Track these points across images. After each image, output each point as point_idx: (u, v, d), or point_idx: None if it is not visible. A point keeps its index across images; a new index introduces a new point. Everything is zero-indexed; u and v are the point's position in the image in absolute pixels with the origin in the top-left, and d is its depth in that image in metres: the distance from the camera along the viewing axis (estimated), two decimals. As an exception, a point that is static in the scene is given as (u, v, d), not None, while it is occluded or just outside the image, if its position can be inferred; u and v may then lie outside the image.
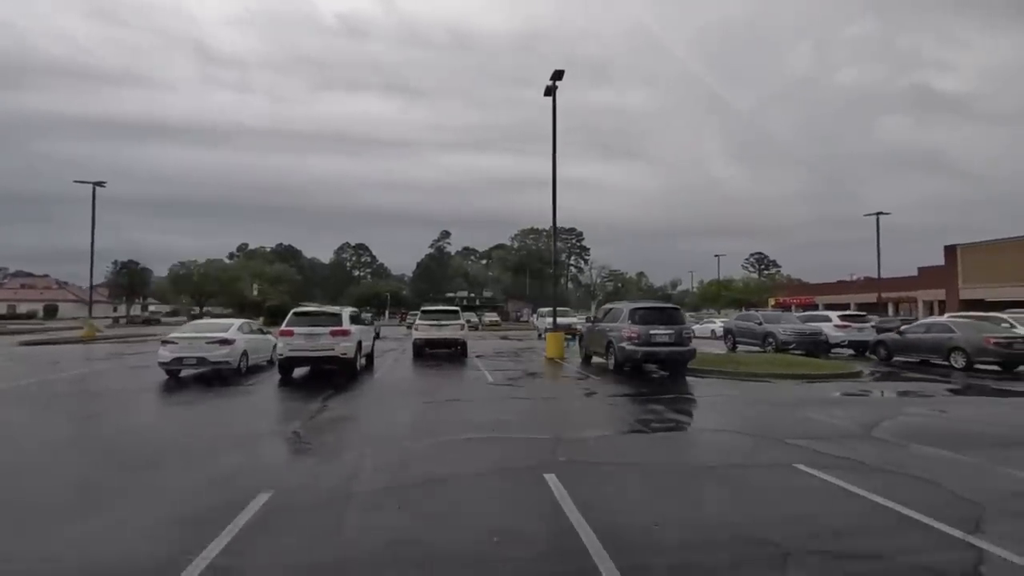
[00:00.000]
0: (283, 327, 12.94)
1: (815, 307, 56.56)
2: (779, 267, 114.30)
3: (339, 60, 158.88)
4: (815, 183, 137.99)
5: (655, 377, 13.10)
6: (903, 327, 18.40)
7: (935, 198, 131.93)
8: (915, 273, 55.17)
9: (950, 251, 48.00)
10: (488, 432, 7.32)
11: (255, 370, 14.14)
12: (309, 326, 12.75)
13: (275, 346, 15.35)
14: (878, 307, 44.21)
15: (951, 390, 11.42)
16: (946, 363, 15.80)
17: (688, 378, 12.95)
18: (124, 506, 4.62)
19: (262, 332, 15.64)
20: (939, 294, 48.97)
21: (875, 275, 42.33)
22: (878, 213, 40.88)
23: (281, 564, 3.54)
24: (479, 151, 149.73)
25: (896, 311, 53.58)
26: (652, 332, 13.16)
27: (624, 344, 13.28)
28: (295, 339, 12.60)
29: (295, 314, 13.34)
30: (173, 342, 12.72)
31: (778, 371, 13.67)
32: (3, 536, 4.03)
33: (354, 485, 5.11)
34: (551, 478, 5.18)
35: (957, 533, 3.88)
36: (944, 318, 18.59)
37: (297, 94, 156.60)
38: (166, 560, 3.50)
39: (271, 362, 15.21)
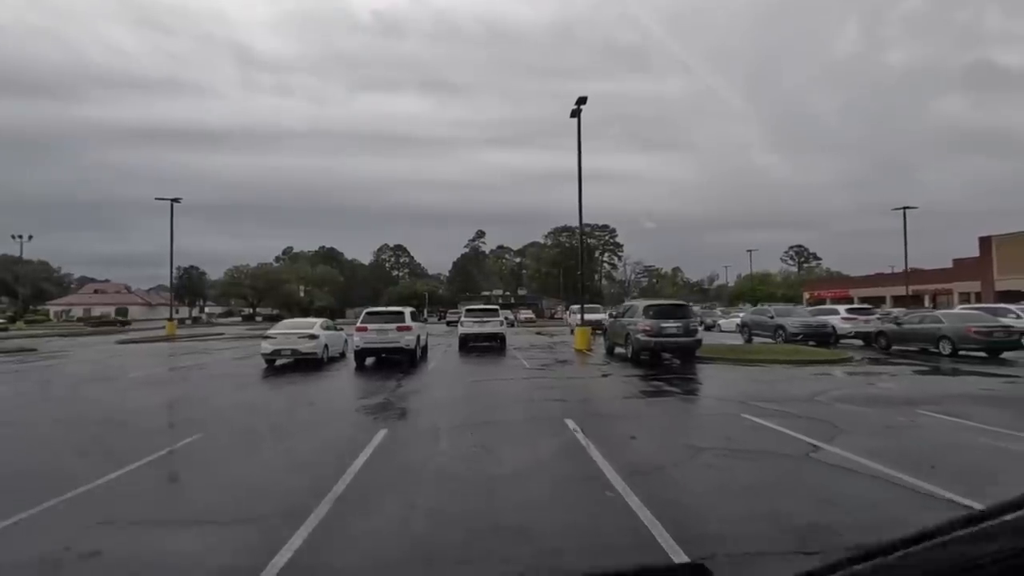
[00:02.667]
0: (358, 324, 15.97)
1: (850, 301, 56.94)
2: (819, 259, 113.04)
3: (375, 59, 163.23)
4: (861, 171, 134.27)
5: (666, 363, 15.51)
6: (900, 318, 20.17)
7: (997, 182, 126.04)
8: (952, 265, 55.05)
9: (985, 242, 48.10)
10: (526, 397, 10.01)
11: (332, 360, 17.19)
12: (380, 323, 15.75)
13: (345, 340, 18.52)
14: (906, 300, 44.78)
15: (917, 371, 13.46)
16: (936, 350, 17.59)
17: (696, 364, 15.30)
18: (314, 435, 7.52)
19: (336, 329, 18.73)
20: (975, 286, 49.03)
21: (918, 267, 43.23)
22: (904, 207, 41.66)
23: (409, 457, 6.29)
24: (515, 147, 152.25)
25: (933, 303, 53.65)
26: (663, 325, 15.57)
27: (639, 335, 15.73)
28: (368, 334, 15.61)
29: (368, 313, 16.38)
30: (272, 337, 15.89)
31: (776, 358, 15.87)
32: (275, 439, 6.97)
33: (439, 424, 7.87)
34: (569, 421, 7.78)
35: (814, 441, 6.33)
36: (937, 310, 20.26)
37: (335, 95, 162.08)
38: (348, 453, 6.29)
39: (342, 354, 18.29)
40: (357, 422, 8.35)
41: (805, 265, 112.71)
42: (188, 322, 70.72)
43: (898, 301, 50.96)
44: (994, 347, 16.45)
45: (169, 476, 5.63)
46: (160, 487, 5.35)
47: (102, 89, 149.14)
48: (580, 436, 6.86)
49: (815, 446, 6.14)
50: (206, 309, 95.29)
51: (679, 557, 3.44)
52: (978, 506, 2.84)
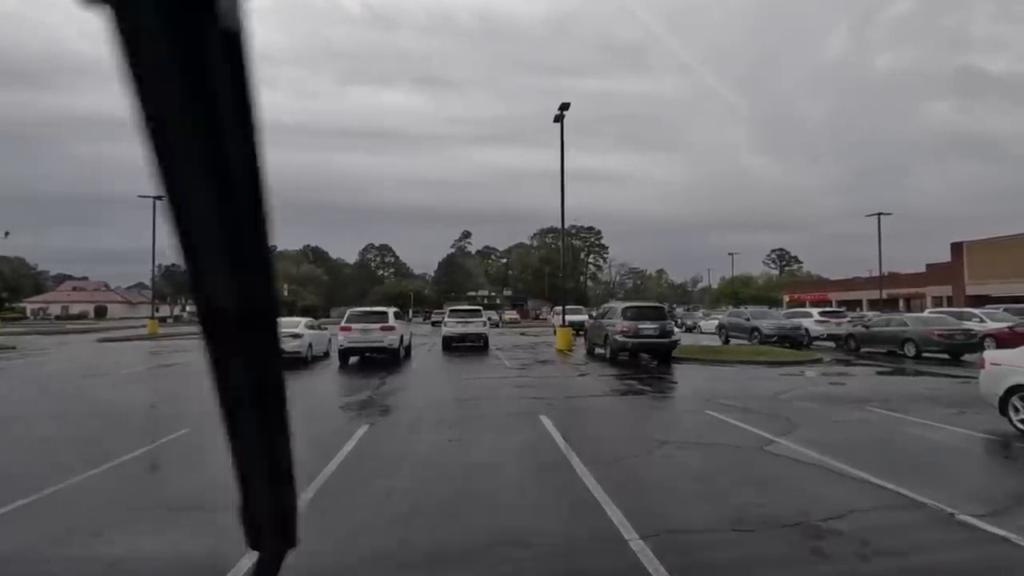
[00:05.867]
0: (342, 324, 16.24)
1: (828, 303, 58.20)
2: (800, 263, 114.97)
3: (366, 52, 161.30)
4: (846, 174, 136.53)
5: (643, 363, 16.00)
6: (869, 321, 20.94)
7: (982, 187, 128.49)
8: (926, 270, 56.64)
9: (956, 248, 49.59)
10: (505, 395, 10.40)
11: (317, 359, 17.40)
12: (363, 323, 16.04)
13: (329, 339, 18.74)
14: (880, 304, 46.03)
15: (879, 372, 14.11)
16: (902, 352, 18.33)
17: (671, 364, 15.80)
18: (298, 429, 7.83)
19: (320, 328, 18.94)
20: (947, 290, 50.48)
21: (897, 271, 44.50)
22: (879, 214, 42.86)
23: (389, 450, 6.64)
24: (504, 144, 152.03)
25: (907, 307, 55.12)
26: (640, 326, 16.07)
27: (617, 336, 16.20)
28: (352, 333, 15.89)
29: (352, 313, 16.66)
30: (256, 336, 16.05)
31: (748, 359, 16.45)
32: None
33: (419, 420, 8.23)
34: (543, 417, 8.19)
35: (769, 435, 6.81)
36: (903, 313, 21.07)
37: (324, 89, 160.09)
38: (331, 446, 6.62)
39: (326, 353, 18.51)
40: (340, 418, 8.68)
41: (787, 268, 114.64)
42: (170, 321, 70.02)
43: (874, 304, 52.38)
44: (955, 349, 17.22)
45: (153, 469, 5.93)
46: (147, 479, 5.64)
47: (79, 78, 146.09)
48: (552, 430, 7.26)
49: (769, 439, 6.61)
50: (187, 308, 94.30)
51: (628, 533, 3.85)
52: (890, 486, 3.41)
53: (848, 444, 6.41)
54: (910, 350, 17.92)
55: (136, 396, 11.11)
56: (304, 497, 4.73)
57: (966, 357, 17.25)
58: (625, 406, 9.48)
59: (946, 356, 17.44)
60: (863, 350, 19.97)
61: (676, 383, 12.27)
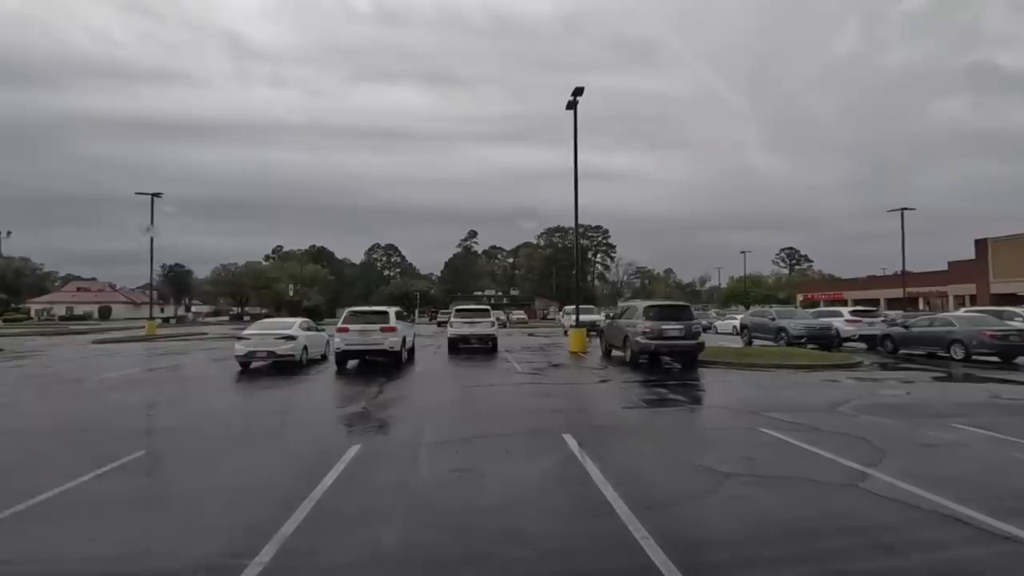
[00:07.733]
0: (340, 324, 14.96)
1: (843, 303, 56.45)
2: (811, 262, 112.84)
3: (374, 49, 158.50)
4: (856, 173, 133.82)
5: (667, 368, 14.61)
6: (908, 321, 19.43)
7: (991, 184, 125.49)
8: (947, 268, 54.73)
9: (980, 245, 47.77)
10: (519, 407, 9.06)
11: (313, 362, 16.13)
12: (362, 324, 14.74)
13: (327, 341, 17.48)
14: (902, 303, 44.32)
15: (935, 378, 12.65)
16: (947, 355, 16.82)
17: (698, 368, 14.42)
18: (275, 452, 6.53)
19: (317, 330, 17.69)
20: (970, 289, 48.64)
21: (909, 269, 42.79)
22: (903, 209, 41.13)
23: (382, 482, 5.32)
24: (512, 143, 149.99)
25: (928, 306, 53.28)
26: (663, 327, 14.68)
27: (639, 338, 14.82)
28: (350, 335, 14.59)
29: (350, 313, 15.36)
30: (246, 338, 14.83)
31: (780, 362, 15.03)
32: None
33: (420, 439, 6.91)
34: (567, 436, 6.84)
35: (856, 466, 5.43)
36: (947, 313, 19.53)
37: (331, 87, 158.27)
38: (311, 475, 5.31)
39: (324, 356, 17.25)
40: (328, 435, 7.37)
41: (796, 267, 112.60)
42: (172, 321, 69.14)
43: (892, 303, 50.57)
44: (1009, 351, 15.74)
45: (70, 514, 4.63)
46: (63, 525, 4.35)
47: (86, 79, 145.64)
48: (580, 456, 5.92)
49: (861, 472, 5.23)
50: (192, 308, 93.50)
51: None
52: None
53: (966, 481, 5.03)
54: (957, 352, 16.42)
55: (102, 406, 9.85)
56: (264, 554, 3.45)
57: (1019, 360, 15.80)
58: (662, 422, 8.11)
59: (997, 359, 15.97)
60: (902, 352, 18.49)
61: (711, 392, 10.87)
